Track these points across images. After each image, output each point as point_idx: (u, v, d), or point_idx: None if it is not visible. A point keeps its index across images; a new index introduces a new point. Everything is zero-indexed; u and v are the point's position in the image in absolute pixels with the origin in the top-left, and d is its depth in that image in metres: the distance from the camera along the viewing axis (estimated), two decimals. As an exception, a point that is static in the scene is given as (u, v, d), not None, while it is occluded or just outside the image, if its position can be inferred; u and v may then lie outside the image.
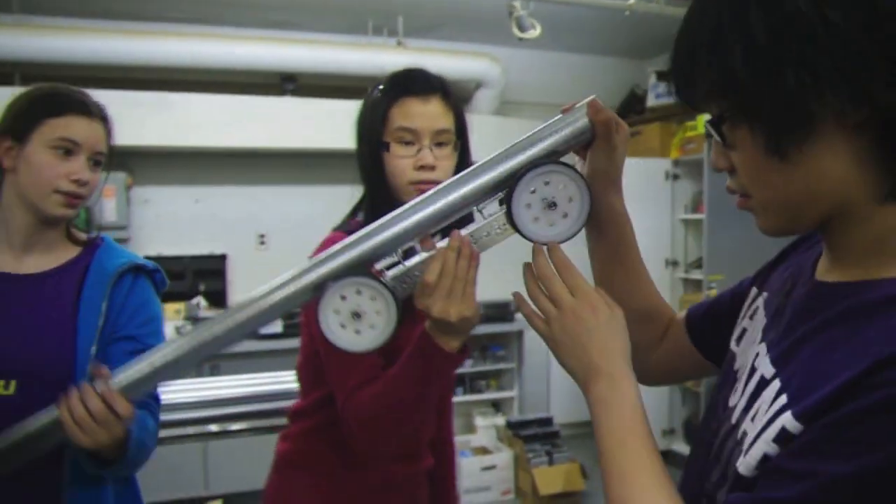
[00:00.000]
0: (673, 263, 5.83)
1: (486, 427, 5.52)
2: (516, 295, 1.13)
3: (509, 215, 1.11)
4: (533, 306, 1.06)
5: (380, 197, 1.56)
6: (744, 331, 1.03)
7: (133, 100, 4.69)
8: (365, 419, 1.38)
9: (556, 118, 1.13)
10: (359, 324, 1.14)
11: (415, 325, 1.30)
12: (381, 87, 1.58)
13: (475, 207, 1.16)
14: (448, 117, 1.57)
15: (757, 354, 0.92)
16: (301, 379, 1.67)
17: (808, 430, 0.74)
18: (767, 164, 0.81)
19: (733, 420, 0.91)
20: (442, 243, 1.18)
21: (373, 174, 1.57)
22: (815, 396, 0.74)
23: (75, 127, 1.58)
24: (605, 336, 1.00)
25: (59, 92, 1.62)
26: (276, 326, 4.90)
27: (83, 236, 1.72)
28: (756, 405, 0.85)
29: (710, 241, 5.21)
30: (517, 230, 1.12)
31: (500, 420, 5.55)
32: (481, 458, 5.10)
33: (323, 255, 1.15)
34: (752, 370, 0.91)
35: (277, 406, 3.09)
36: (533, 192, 1.10)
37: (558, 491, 4.81)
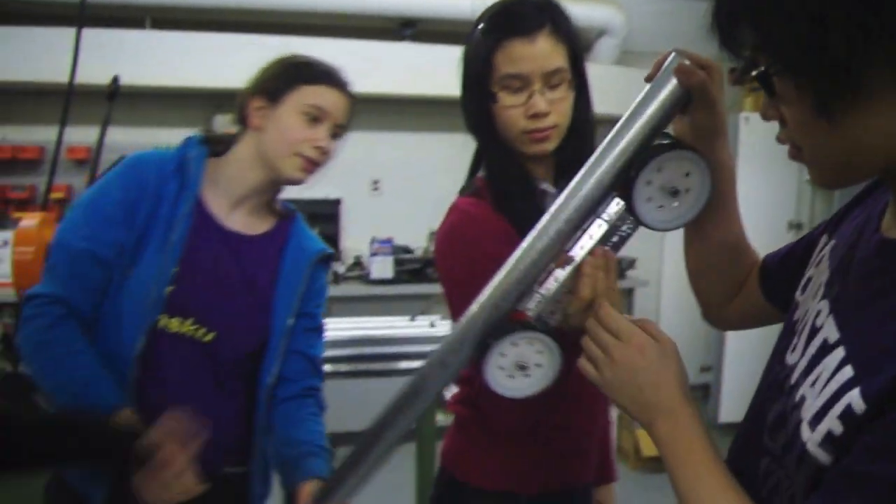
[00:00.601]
0: (797, 226, 5.59)
1: (592, 384, 5.48)
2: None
3: (633, 213, 1.08)
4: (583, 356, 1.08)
5: (494, 150, 1.49)
6: (809, 280, 1.00)
7: (256, 43, 4.77)
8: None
9: (647, 91, 1.07)
10: (526, 370, 1.16)
11: None
12: (480, 26, 1.44)
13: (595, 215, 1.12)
14: (559, 54, 1.40)
15: (819, 312, 0.88)
16: None
17: (877, 423, 0.71)
18: (816, 124, 0.77)
19: (792, 380, 0.88)
20: (575, 250, 1.14)
21: (482, 126, 1.47)
22: (883, 376, 0.71)
23: (326, 96, 1.63)
24: (658, 372, 1.01)
25: (315, 62, 1.67)
26: (387, 271, 4.96)
27: (282, 208, 1.79)
28: (817, 370, 0.82)
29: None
30: (646, 226, 1.10)
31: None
32: (586, 415, 5.08)
33: (463, 326, 1.15)
34: (814, 329, 0.88)
35: (386, 351, 3.13)
36: (649, 183, 1.06)
37: (663, 452, 4.74)
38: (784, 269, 1.16)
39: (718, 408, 5.40)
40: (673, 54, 1.06)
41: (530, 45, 1.38)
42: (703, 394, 6.09)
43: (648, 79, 1.08)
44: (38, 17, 4.59)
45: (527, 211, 1.40)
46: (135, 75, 4.27)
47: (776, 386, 0.93)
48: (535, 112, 1.39)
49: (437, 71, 4.92)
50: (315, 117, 1.61)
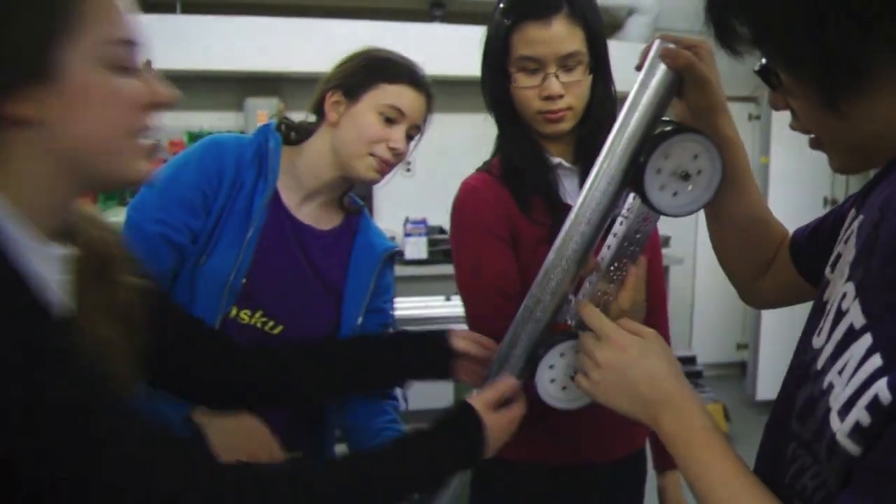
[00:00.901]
0: (833, 203, 5.52)
1: (627, 363, 5.46)
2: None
3: (649, 203, 1.07)
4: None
5: (510, 129, 1.52)
6: (838, 256, 0.97)
7: (287, 26, 4.80)
8: None
9: (639, 81, 1.07)
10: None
11: None
12: (501, 5, 1.47)
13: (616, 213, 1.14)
14: (575, 37, 1.42)
15: (844, 295, 0.85)
16: None
17: None
18: (823, 114, 0.76)
19: (819, 364, 0.86)
20: (603, 252, 1.17)
21: (499, 105, 1.51)
22: None
23: (405, 97, 1.58)
24: (647, 365, 1.00)
25: (396, 60, 1.63)
26: (421, 252, 4.96)
27: (350, 203, 1.76)
28: (845, 357, 0.80)
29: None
30: (664, 214, 1.09)
31: (641, 356, 5.48)
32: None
33: (505, 348, 1.22)
34: (839, 312, 0.85)
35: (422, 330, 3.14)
36: (659, 171, 1.05)
37: (699, 431, 4.71)
38: (814, 244, 1.14)
39: (756, 385, 5.36)
40: (657, 41, 1.06)
41: (546, 28, 1.39)
42: (741, 371, 6.05)
43: (638, 68, 1.08)
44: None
45: (536, 183, 1.48)
46: (166, 60, 4.27)
47: (803, 370, 0.91)
48: (549, 94, 1.42)
49: (468, 51, 4.89)
50: (392, 118, 1.57)
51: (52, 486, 0.82)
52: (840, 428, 0.76)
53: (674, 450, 0.94)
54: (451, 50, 4.99)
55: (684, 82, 1.06)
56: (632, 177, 1.06)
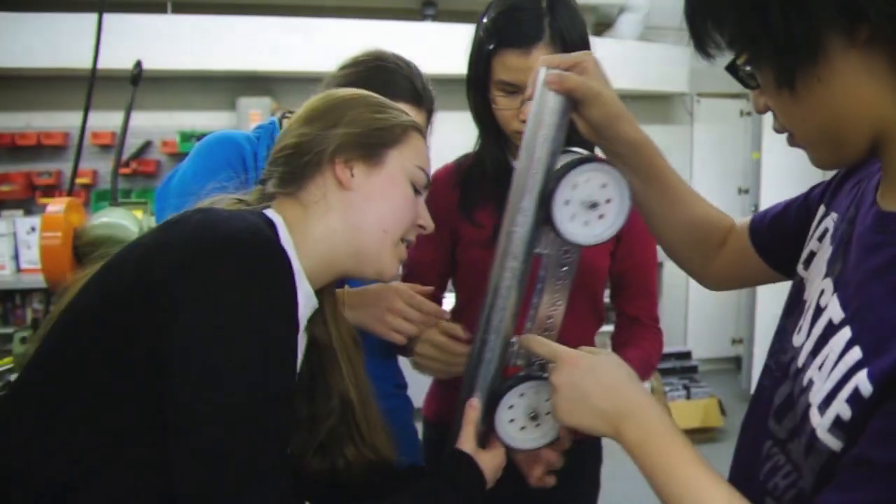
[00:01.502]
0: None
1: (622, 359, 5.46)
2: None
3: (561, 236, 1.07)
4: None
5: (490, 139, 1.56)
6: (812, 254, 0.98)
7: (279, 25, 4.78)
8: None
9: (532, 114, 1.07)
10: (537, 419, 1.17)
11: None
12: (485, 20, 1.48)
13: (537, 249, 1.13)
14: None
15: (822, 291, 0.87)
16: None
17: (887, 406, 0.69)
18: (787, 99, 0.79)
19: (799, 362, 0.86)
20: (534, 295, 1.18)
21: (481, 118, 1.55)
22: (889, 357, 0.69)
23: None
24: (600, 377, 1.01)
25: (397, 76, 1.60)
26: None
27: None
28: (824, 352, 0.81)
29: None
30: (579, 245, 1.09)
31: (636, 352, 5.49)
32: (615, 390, 5.07)
33: (463, 395, 1.20)
34: (818, 309, 0.86)
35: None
36: (567, 203, 1.05)
37: (696, 426, 4.73)
38: (776, 231, 1.15)
39: (751, 380, 5.37)
40: (541, 68, 1.07)
41: (525, 57, 1.40)
42: (735, 366, 6.07)
43: (528, 98, 1.09)
44: (60, 4, 4.60)
45: (496, 185, 1.51)
46: (158, 60, 4.27)
47: (782, 369, 0.91)
48: (525, 118, 1.40)
49: (459, 50, 4.90)
50: None
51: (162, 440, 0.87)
52: (820, 423, 0.77)
53: (638, 459, 0.93)
54: (443, 49, 5.00)
55: (577, 102, 1.07)
56: (543, 211, 1.06)
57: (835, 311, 0.82)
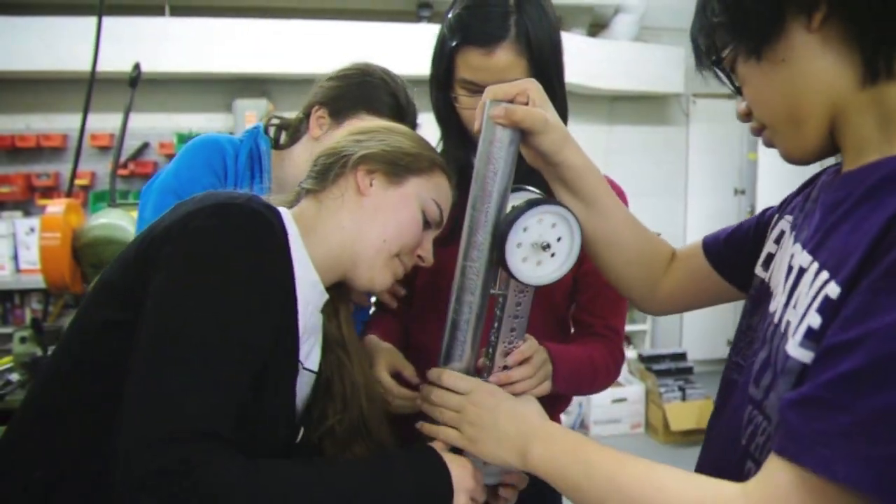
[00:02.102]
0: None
1: (617, 359, 5.46)
2: (421, 426, 1.15)
3: (515, 278, 1.08)
4: (438, 426, 1.11)
5: (453, 139, 1.51)
6: (770, 255, 1.02)
7: (276, 27, 4.80)
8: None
9: (481, 149, 1.07)
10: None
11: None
12: (449, 16, 1.42)
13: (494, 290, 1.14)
14: (518, 67, 1.36)
15: (792, 255, 0.91)
16: None
17: (850, 300, 0.73)
18: (757, 73, 0.89)
19: (776, 319, 0.90)
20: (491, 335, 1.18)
21: (444, 116, 1.50)
22: (853, 260, 0.75)
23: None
24: (514, 406, 1.06)
25: (382, 90, 1.63)
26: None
27: None
28: (796, 294, 0.85)
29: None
30: (533, 285, 1.11)
31: (632, 353, 5.50)
32: (612, 391, 5.06)
33: None
34: (789, 269, 0.90)
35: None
36: (519, 245, 1.06)
37: (691, 427, 4.76)
38: (732, 244, 1.18)
39: (745, 382, 5.39)
40: (487, 102, 1.07)
41: (488, 57, 1.35)
42: (730, 369, 6.07)
43: (477, 132, 1.09)
44: (58, 8, 4.62)
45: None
46: (155, 62, 4.29)
47: (761, 339, 0.94)
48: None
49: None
50: None
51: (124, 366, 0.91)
52: (791, 341, 0.80)
53: (556, 472, 0.96)
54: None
55: (525, 132, 1.07)
56: (496, 253, 1.08)
57: (804, 260, 0.86)
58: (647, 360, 5.24)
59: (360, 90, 1.61)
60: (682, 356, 5.29)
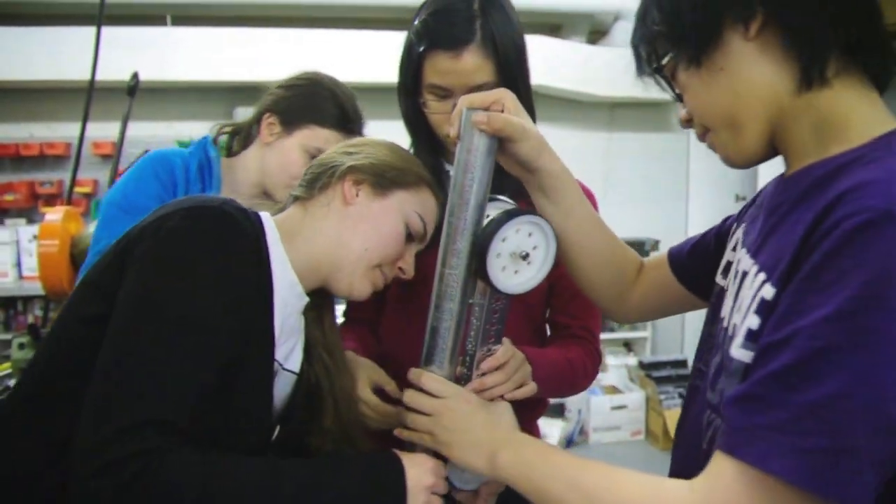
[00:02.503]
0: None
1: (617, 366, 5.49)
2: (399, 432, 1.16)
3: (493, 287, 1.10)
4: (412, 431, 1.13)
5: (423, 145, 1.52)
6: (728, 263, 1.05)
7: (275, 37, 4.83)
8: None
9: (459, 157, 1.08)
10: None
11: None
12: (416, 22, 1.44)
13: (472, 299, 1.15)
14: (485, 69, 1.38)
15: (739, 261, 0.95)
16: None
17: (782, 299, 0.76)
18: (697, 80, 0.91)
19: (725, 324, 0.93)
20: (468, 345, 1.19)
21: (413, 122, 1.51)
22: (784, 260, 0.78)
23: (331, 143, 1.57)
24: (488, 414, 1.10)
25: (327, 99, 1.68)
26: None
27: None
28: (740, 297, 0.88)
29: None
30: (510, 294, 1.12)
31: (632, 360, 5.50)
32: (611, 398, 5.08)
33: None
34: (736, 274, 0.94)
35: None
36: (499, 255, 1.08)
37: (690, 433, 4.73)
38: (695, 255, 1.22)
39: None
40: (464, 110, 1.08)
41: (456, 60, 1.37)
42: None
43: (447, 137, 1.11)
44: (59, 18, 4.65)
45: None
46: (157, 71, 4.31)
47: (717, 344, 0.96)
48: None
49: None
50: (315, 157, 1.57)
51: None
52: (734, 343, 0.84)
53: (521, 477, 0.98)
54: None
55: (504, 140, 1.09)
56: (475, 263, 1.09)
57: (747, 264, 0.89)
58: (647, 367, 5.24)
59: (307, 101, 1.68)
60: (682, 363, 5.29)
